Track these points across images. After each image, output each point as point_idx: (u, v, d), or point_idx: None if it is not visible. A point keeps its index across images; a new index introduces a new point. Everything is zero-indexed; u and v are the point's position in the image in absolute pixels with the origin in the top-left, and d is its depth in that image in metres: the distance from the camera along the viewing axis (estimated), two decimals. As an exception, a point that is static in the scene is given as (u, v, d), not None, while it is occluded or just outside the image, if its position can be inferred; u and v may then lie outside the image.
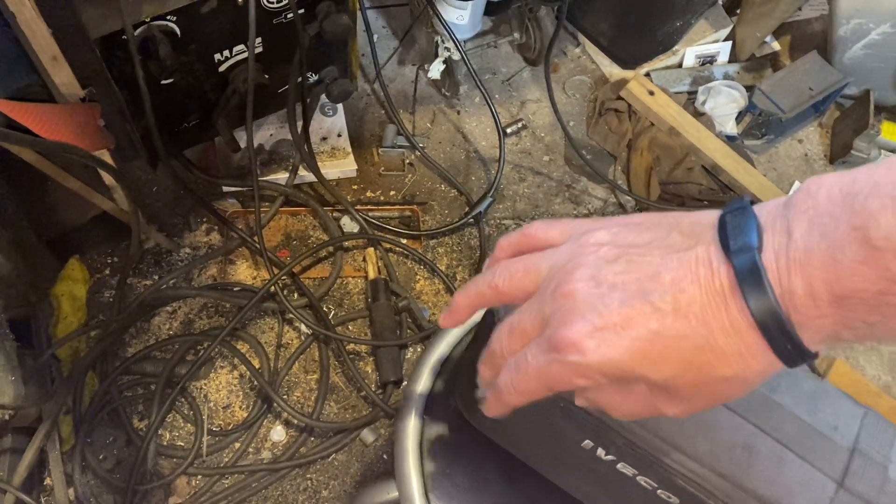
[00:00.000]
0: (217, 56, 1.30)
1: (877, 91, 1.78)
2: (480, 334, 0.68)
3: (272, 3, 1.26)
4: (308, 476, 1.34)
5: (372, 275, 1.48)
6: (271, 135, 1.59)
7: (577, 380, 0.41)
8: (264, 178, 1.53)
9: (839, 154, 1.80)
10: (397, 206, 1.60)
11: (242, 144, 1.58)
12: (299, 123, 1.44)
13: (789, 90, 1.70)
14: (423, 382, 0.83)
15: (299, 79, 1.36)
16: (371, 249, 1.51)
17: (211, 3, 1.19)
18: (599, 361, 0.39)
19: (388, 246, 1.54)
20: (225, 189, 1.53)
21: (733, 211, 0.38)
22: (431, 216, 1.62)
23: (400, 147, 1.65)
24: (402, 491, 0.78)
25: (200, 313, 1.45)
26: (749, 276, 0.35)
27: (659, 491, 0.61)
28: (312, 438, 1.36)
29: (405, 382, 1.40)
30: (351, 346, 1.44)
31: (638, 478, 0.61)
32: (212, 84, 1.35)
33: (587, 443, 0.62)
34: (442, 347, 0.86)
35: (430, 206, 1.63)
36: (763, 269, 0.35)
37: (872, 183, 0.33)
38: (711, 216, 0.40)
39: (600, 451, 0.62)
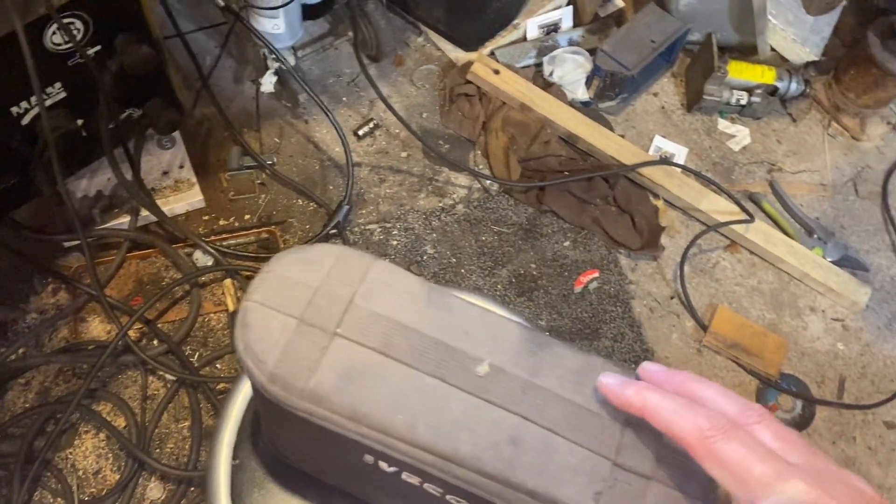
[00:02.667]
0: (15, 110, 1.22)
1: (718, 32, 1.78)
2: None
3: (58, 44, 1.19)
4: (193, 528, 1.28)
5: (232, 307, 1.42)
6: (109, 178, 1.51)
7: None
8: (106, 226, 1.46)
9: (694, 101, 1.81)
10: (253, 231, 1.54)
11: (80, 192, 1.51)
12: (126, 166, 1.38)
13: (631, 47, 1.69)
14: (229, 427, 0.79)
15: (111, 122, 1.29)
16: (228, 281, 1.45)
17: (-15, 56, 1.11)
18: None
19: (247, 274, 1.48)
20: (66, 245, 1.45)
21: None
22: (292, 234, 1.57)
23: (248, 168, 1.59)
24: (217, 545, 0.74)
25: (57, 379, 1.37)
26: None
27: (448, 496, 0.58)
28: (192, 489, 1.30)
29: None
30: (222, 386, 1.38)
31: (425, 485, 0.58)
32: (19, 139, 1.27)
33: (367, 457, 0.59)
34: (247, 387, 0.81)
35: (289, 225, 1.57)
36: None
37: None
38: None
39: (382, 465, 0.58)
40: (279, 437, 0.69)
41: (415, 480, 0.58)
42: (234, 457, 0.77)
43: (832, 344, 1.59)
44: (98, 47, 1.26)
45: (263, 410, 0.66)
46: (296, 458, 0.71)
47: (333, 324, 0.52)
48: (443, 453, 0.52)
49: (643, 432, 0.55)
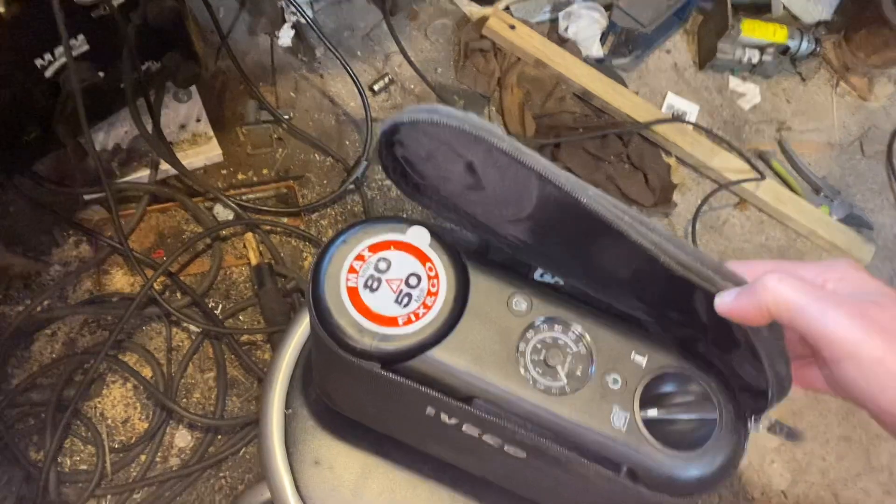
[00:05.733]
0: (39, 62, 1.22)
1: (732, -10, 1.78)
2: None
3: (83, -3, 1.18)
4: (221, 475, 1.32)
5: (254, 260, 1.44)
6: (126, 132, 1.51)
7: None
8: (125, 180, 1.46)
9: (707, 58, 1.82)
10: (272, 185, 1.55)
11: (98, 146, 1.50)
12: (147, 118, 1.38)
13: (647, 3, 1.69)
14: (280, 378, 0.81)
15: (134, 74, 1.29)
16: (249, 234, 1.47)
17: (12, 8, 1.10)
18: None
19: (267, 228, 1.49)
20: (87, 198, 1.46)
21: None
22: (310, 189, 1.58)
23: (265, 122, 1.59)
24: (273, 489, 0.77)
25: (82, 330, 1.39)
26: None
27: (506, 447, 0.61)
28: (220, 436, 1.34)
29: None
30: (245, 337, 1.41)
31: (484, 437, 0.61)
32: (42, 91, 1.27)
33: (430, 410, 0.62)
34: (296, 338, 0.83)
35: (306, 179, 1.58)
36: None
37: None
38: None
39: (444, 416, 0.61)
40: (333, 387, 0.71)
41: (474, 432, 0.61)
42: (287, 406, 0.80)
43: (836, 300, 1.64)
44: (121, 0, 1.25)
45: (321, 360, 0.68)
46: (349, 408, 0.74)
47: None
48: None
49: None
